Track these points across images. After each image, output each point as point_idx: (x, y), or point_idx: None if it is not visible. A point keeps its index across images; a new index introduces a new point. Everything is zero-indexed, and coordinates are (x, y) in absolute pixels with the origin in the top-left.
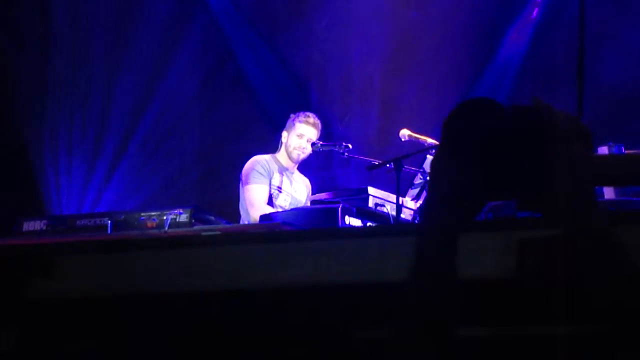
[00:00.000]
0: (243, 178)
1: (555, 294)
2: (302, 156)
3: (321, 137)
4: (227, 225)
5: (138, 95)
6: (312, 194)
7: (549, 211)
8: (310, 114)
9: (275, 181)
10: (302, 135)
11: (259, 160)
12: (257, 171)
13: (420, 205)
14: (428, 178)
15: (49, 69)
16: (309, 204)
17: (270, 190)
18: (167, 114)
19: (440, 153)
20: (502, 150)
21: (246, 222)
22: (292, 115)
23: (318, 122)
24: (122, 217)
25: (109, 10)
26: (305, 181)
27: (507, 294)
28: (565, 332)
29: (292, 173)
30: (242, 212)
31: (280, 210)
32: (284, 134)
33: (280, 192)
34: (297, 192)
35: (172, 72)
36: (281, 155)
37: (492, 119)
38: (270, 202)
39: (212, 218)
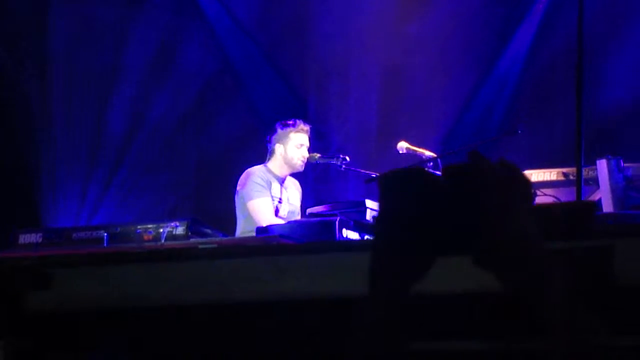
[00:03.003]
0: (243, 193)
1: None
2: (304, 163)
3: (319, 150)
4: (224, 238)
5: (135, 107)
6: (309, 207)
7: (500, 267)
8: (299, 122)
9: (275, 192)
10: (301, 144)
11: (255, 172)
12: (257, 183)
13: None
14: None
15: (46, 82)
16: (299, 205)
17: (273, 201)
18: (164, 126)
19: (378, 225)
20: (441, 216)
21: (242, 235)
22: (278, 127)
23: (308, 126)
24: (119, 229)
25: (106, 23)
26: (295, 184)
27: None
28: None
29: (284, 180)
30: (238, 225)
31: (282, 221)
32: (279, 146)
33: (281, 202)
34: (291, 198)
35: (170, 83)
36: (274, 165)
37: (425, 188)
38: (276, 213)
39: (209, 231)
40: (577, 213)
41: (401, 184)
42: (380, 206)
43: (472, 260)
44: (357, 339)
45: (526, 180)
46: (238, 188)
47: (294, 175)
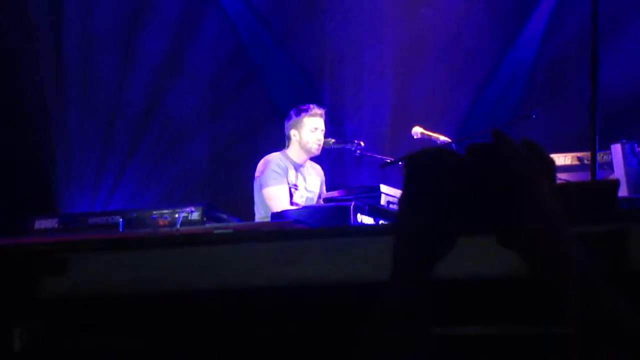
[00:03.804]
0: (261, 180)
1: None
2: (320, 146)
3: (333, 135)
4: (239, 223)
5: (150, 93)
6: (324, 192)
7: (524, 246)
8: (313, 106)
9: (291, 178)
10: (316, 128)
11: (272, 159)
12: (274, 171)
13: None
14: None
15: (61, 68)
16: (324, 191)
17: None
18: (179, 111)
19: (403, 199)
20: (464, 192)
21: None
22: (292, 114)
23: (322, 110)
24: (134, 215)
25: (120, 9)
26: (316, 169)
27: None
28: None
29: (304, 167)
30: (257, 212)
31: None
32: (294, 132)
33: (297, 189)
34: (310, 185)
35: (185, 69)
36: (292, 151)
37: (450, 164)
38: (290, 199)
39: (224, 216)
40: (601, 191)
41: (426, 164)
42: (404, 186)
43: (496, 240)
44: (378, 324)
45: (550, 159)
46: (256, 175)
47: (316, 160)
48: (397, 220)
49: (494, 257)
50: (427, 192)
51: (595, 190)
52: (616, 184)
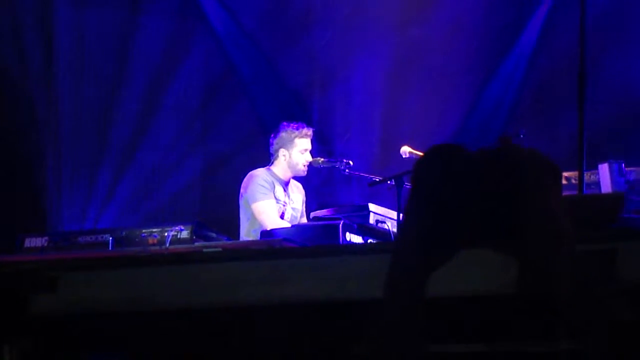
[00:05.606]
0: (248, 196)
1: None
2: (307, 168)
3: (322, 154)
4: (228, 242)
5: (140, 111)
6: (313, 210)
7: (526, 252)
8: (304, 127)
9: (279, 195)
10: (305, 149)
11: (259, 174)
12: (262, 186)
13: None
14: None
15: (52, 85)
16: (304, 209)
17: (278, 203)
18: (169, 129)
19: (410, 201)
20: (471, 196)
21: (246, 238)
22: (282, 130)
23: (311, 130)
24: (124, 233)
25: (111, 27)
26: (298, 187)
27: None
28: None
29: (288, 184)
30: (242, 227)
31: (287, 223)
32: (283, 151)
33: (285, 206)
34: (294, 203)
35: (174, 87)
36: (277, 169)
37: (459, 165)
38: (281, 217)
39: (213, 234)
40: (608, 203)
41: (435, 162)
42: (412, 187)
43: (499, 246)
44: (374, 340)
45: (555, 165)
46: (242, 191)
47: (297, 178)
48: (402, 222)
49: (491, 272)
50: (435, 191)
51: (600, 202)
52: (621, 197)
